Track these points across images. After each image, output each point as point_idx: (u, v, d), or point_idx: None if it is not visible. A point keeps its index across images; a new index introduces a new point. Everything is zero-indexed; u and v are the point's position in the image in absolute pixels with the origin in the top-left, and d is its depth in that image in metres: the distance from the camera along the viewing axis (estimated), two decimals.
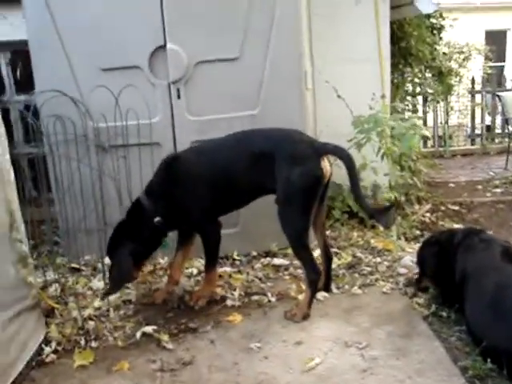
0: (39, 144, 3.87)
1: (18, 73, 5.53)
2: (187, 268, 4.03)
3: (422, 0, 5.59)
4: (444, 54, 9.06)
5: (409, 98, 8.52)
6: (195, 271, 3.95)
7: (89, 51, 4.03)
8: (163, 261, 4.16)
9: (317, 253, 3.68)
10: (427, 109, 10.29)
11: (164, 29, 3.97)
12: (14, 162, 3.08)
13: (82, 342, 3.14)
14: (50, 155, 3.87)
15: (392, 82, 5.98)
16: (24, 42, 4.34)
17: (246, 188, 3.43)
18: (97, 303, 3.56)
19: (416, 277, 3.61)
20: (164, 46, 3.99)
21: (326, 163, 3.25)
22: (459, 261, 3.13)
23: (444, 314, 3.22)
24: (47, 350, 3.06)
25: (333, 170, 3.79)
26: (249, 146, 3.38)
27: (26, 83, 5.30)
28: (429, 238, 3.67)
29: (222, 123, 4.01)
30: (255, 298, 3.60)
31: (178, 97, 4.06)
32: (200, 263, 3.96)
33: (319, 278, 3.36)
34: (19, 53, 5.36)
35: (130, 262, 3.31)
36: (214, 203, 3.42)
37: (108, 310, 3.48)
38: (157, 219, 3.36)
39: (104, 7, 3.97)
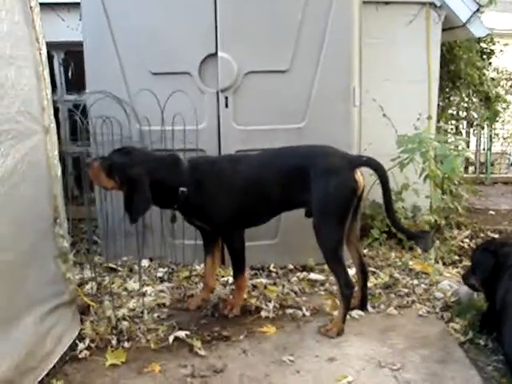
0: (85, 143, 3.92)
1: (70, 72, 5.63)
2: (223, 276, 4.06)
3: (475, 23, 5.52)
4: (492, 79, 8.93)
5: (453, 121, 8.41)
6: (231, 279, 3.94)
7: (141, 55, 4.09)
8: (199, 267, 4.17)
9: (353, 271, 3.67)
10: (471, 134, 10.16)
11: (216, 37, 4.00)
12: (60, 160, 3.13)
13: (115, 342, 3.16)
14: (96, 155, 3.93)
15: (438, 104, 5.93)
16: (78, 43, 4.43)
17: (276, 201, 3.44)
18: (131, 304, 3.59)
19: (465, 271, 3.58)
20: (215, 54, 4.02)
21: (359, 175, 3.27)
22: (502, 287, 3.05)
23: (481, 341, 3.17)
24: (81, 346, 3.10)
25: (374, 188, 3.79)
26: (283, 161, 3.42)
27: (76, 83, 5.41)
28: (489, 244, 3.53)
29: (268, 134, 4.05)
30: (290, 311, 3.58)
31: (226, 105, 4.09)
32: None
33: (352, 293, 3.35)
34: (72, 53, 5.47)
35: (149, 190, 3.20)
36: (240, 212, 3.41)
37: (142, 312, 3.50)
38: (182, 189, 3.29)
39: (159, 14, 4.03)
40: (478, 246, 3.74)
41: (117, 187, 3.30)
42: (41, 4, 2.89)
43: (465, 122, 9.48)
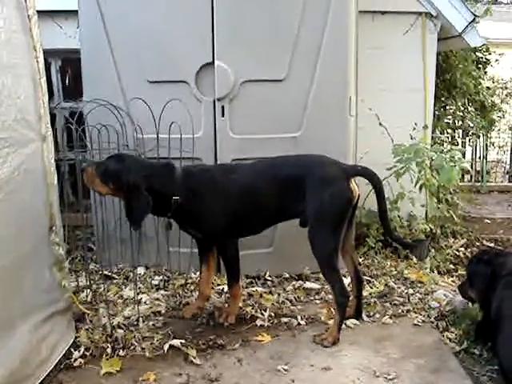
0: (81, 151, 3.92)
1: (67, 80, 5.64)
2: (219, 285, 4.05)
3: (471, 33, 5.56)
4: (488, 88, 8.97)
5: (449, 130, 8.44)
6: (226, 288, 3.94)
7: (138, 64, 4.10)
8: (194, 275, 4.17)
9: (348, 280, 3.67)
10: (466, 143, 10.19)
11: (213, 46, 4.01)
12: (56, 167, 3.13)
13: (110, 350, 3.15)
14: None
15: (433, 113, 5.95)
16: (75, 50, 4.45)
17: (271, 210, 3.45)
18: (127, 312, 3.58)
19: (461, 283, 3.59)
20: (212, 63, 4.03)
21: (354, 185, 3.30)
22: (497, 297, 3.06)
23: (476, 351, 3.18)
24: (76, 354, 3.09)
25: (370, 197, 3.81)
26: (278, 170, 3.43)
27: (73, 90, 5.41)
28: (484, 255, 3.52)
29: (264, 143, 4.06)
30: (285, 319, 3.59)
31: (223, 114, 4.09)
32: None
33: (348, 302, 3.35)
34: (69, 61, 5.47)
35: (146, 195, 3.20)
36: (234, 221, 3.41)
37: (137, 320, 3.50)
38: (176, 198, 3.28)
39: (156, 22, 4.04)
40: (473, 256, 3.74)
41: (111, 193, 3.31)
42: (39, 12, 2.89)
43: (460, 131, 9.50)
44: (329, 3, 4.03)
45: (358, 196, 3.34)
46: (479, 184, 10.02)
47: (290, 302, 3.88)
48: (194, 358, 3.09)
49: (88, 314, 3.49)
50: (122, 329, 3.37)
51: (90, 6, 4.09)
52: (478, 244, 6.32)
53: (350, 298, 3.42)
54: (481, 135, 9.96)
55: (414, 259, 4.87)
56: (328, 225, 3.24)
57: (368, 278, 4.23)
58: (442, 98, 7.45)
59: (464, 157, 9.56)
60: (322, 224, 3.25)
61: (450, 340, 3.32)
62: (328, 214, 3.24)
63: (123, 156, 3.40)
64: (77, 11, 4.26)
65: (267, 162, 3.56)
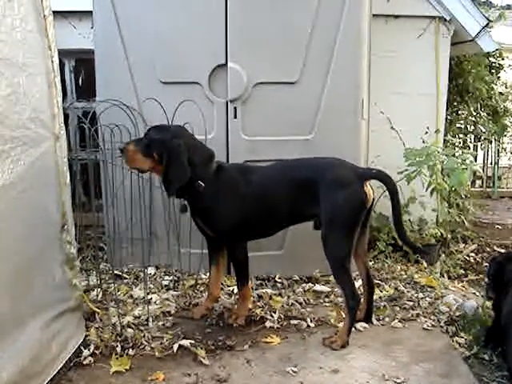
0: (92, 150, 3.94)
1: (80, 80, 5.67)
2: (228, 286, 4.06)
3: (484, 38, 5.55)
4: (500, 93, 8.92)
5: (461, 135, 8.41)
6: (236, 289, 3.95)
7: (151, 64, 4.12)
8: (205, 276, 4.18)
9: (358, 283, 3.67)
10: (478, 148, 10.15)
11: (226, 48, 4.03)
12: (69, 166, 3.15)
13: (119, 349, 3.17)
14: (104, 162, 3.94)
15: (445, 118, 5.94)
16: (88, 50, 4.47)
17: (285, 213, 3.46)
18: (137, 311, 3.60)
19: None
20: (225, 65, 4.05)
21: (368, 188, 3.29)
22: (507, 303, 3.05)
23: (486, 356, 3.15)
24: (85, 352, 3.11)
25: (381, 201, 3.79)
26: (293, 173, 3.44)
27: (86, 90, 5.44)
28: (496, 258, 3.58)
29: (276, 145, 4.07)
30: (294, 322, 3.59)
31: (235, 116, 4.11)
32: None
33: (358, 305, 3.35)
34: (83, 61, 5.50)
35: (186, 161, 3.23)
36: (247, 222, 3.42)
37: (147, 320, 3.51)
38: (199, 182, 3.31)
39: (170, 23, 4.06)
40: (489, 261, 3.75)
41: (154, 164, 3.28)
42: (53, 12, 2.91)
43: (472, 136, 9.47)
44: (343, 6, 4.04)
45: (373, 200, 3.34)
46: (490, 190, 9.99)
47: (300, 304, 3.87)
48: (203, 358, 3.10)
49: (98, 313, 3.50)
50: (132, 328, 3.38)
51: (105, 7, 4.11)
52: (488, 249, 6.28)
53: (361, 301, 3.42)
54: (493, 140, 9.93)
55: (425, 264, 4.85)
56: (341, 228, 3.24)
57: (378, 282, 4.20)
58: (455, 103, 7.41)
59: (476, 161, 9.52)
60: (335, 227, 3.24)
61: (460, 345, 3.30)
62: (342, 217, 3.24)
63: (165, 125, 3.46)
64: (91, 12, 4.29)
65: (285, 164, 3.58)
